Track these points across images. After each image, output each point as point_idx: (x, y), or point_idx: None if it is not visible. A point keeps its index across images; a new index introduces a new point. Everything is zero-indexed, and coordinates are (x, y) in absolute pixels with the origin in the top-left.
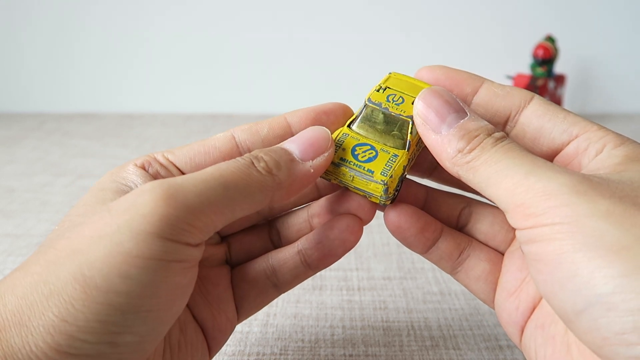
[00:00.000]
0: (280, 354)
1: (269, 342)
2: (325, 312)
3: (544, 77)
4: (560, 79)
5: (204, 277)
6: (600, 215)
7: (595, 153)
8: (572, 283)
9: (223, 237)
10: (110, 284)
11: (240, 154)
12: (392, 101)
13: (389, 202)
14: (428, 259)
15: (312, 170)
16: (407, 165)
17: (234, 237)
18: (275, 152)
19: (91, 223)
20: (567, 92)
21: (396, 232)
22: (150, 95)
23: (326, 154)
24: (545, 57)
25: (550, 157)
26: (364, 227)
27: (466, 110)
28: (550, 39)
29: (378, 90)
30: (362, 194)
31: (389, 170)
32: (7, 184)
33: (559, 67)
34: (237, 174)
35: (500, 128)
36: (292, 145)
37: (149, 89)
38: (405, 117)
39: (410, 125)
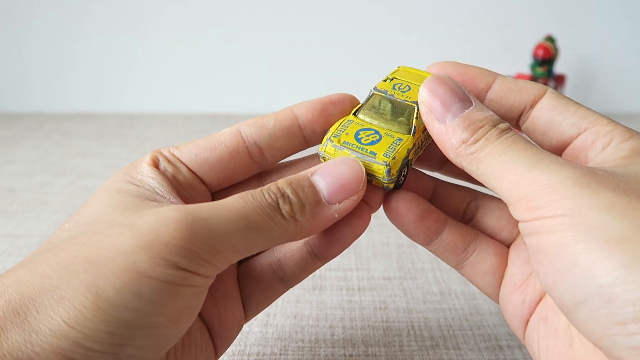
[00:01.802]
0: (280, 354)
1: (269, 342)
2: (325, 312)
3: (544, 77)
4: (560, 79)
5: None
6: (602, 208)
7: (602, 147)
8: (573, 274)
9: None
10: (122, 298)
11: (247, 149)
12: (398, 89)
13: (392, 185)
14: (432, 252)
15: (336, 215)
16: (412, 149)
17: None
18: (303, 191)
19: (110, 236)
20: (567, 92)
21: (394, 219)
22: (150, 95)
23: (354, 197)
24: (545, 57)
25: (559, 150)
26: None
27: (471, 100)
28: (550, 39)
29: (385, 81)
30: None
31: (392, 152)
32: (7, 184)
33: (559, 67)
34: (261, 217)
35: (514, 122)
36: (322, 182)
37: (149, 89)
38: (411, 102)
39: (415, 111)
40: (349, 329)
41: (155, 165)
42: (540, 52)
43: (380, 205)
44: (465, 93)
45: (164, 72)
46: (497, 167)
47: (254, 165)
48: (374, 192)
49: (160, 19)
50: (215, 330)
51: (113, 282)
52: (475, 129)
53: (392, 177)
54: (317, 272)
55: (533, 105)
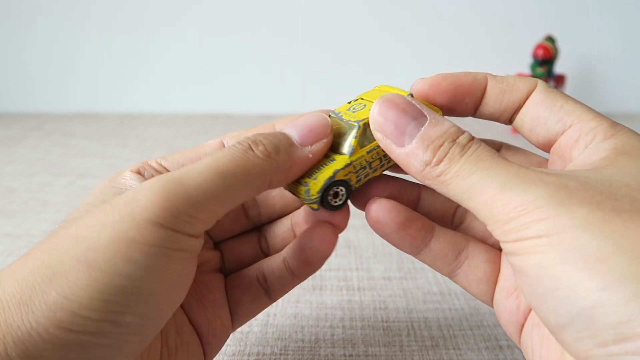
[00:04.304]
0: (280, 354)
1: (269, 342)
2: (325, 312)
3: (544, 77)
4: (560, 79)
5: (199, 282)
6: (578, 226)
7: (585, 145)
8: (554, 297)
9: (216, 245)
10: (114, 266)
11: None
12: (352, 110)
13: (315, 205)
14: (422, 261)
15: (310, 156)
16: (341, 169)
17: (227, 246)
18: (275, 137)
19: (93, 214)
20: (567, 92)
21: (375, 227)
22: (150, 95)
23: (325, 140)
24: (545, 57)
25: (546, 147)
26: (365, 228)
27: (426, 114)
28: (550, 39)
29: (349, 102)
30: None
31: (316, 172)
32: (7, 184)
33: (559, 67)
34: (234, 162)
35: (509, 121)
36: (292, 130)
37: (149, 89)
38: (354, 122)
39: (355, 130)
40: (349, 329)
41: (139, 172)
42: (540, 52)
43: (345, 226)
44: (418, 108)
45: (164, 72)
46: (467, 190)
47: None
48: (338, 214)
49: (161, 20)
50: (204, 336)
51: (103, 252)
52: (435, 148)
53: (312, 198)
54: (317, 272)
55: (525, 101)
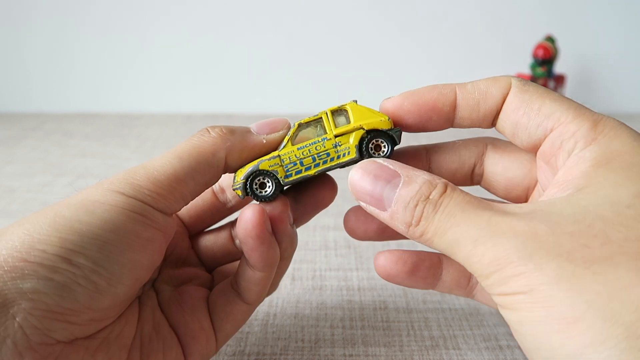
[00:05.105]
0: (280, 354)
1: (269, 342)
2: (325, 312)
3: (544, 77)
4: (560, 79)
5: (183, 291)
6: (549, 282)
7: (568, 152)
8: (539, 357)
9: (210, 271)
10: (75, 214)
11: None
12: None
13: (240, 192)
14: (440, 292)
15: (264, 141)
16: (266, 161)
17: (217, 271)
18: (233, 125)
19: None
20: (567, 92)
21: (388, 279)
22: (150, 95)
23: (280, 132)
24: (545, 57)
25: (532, 150)
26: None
27: (399, 172)
28: (550, 39)
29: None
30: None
31: (250, 163)
32: (7, 184)
33: (559, 67)
34: (190, 145)
35: (491, 125)
36: (252, 125)
37: (149, 89)
38: (298, 123)
39: (292, 130)
40: (349, 329)
41: None
42: (540, 52)
43: (280, 212)
44: (391, 169)
45: (163, 72)
46: (448, 246)
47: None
48: (272, 204)
49: (161, 20)
50: (182, 337)
51: (70, 207)
52: (412, 210)
53: (237, 184)
54: (317, 272)
55: (503, 105)
